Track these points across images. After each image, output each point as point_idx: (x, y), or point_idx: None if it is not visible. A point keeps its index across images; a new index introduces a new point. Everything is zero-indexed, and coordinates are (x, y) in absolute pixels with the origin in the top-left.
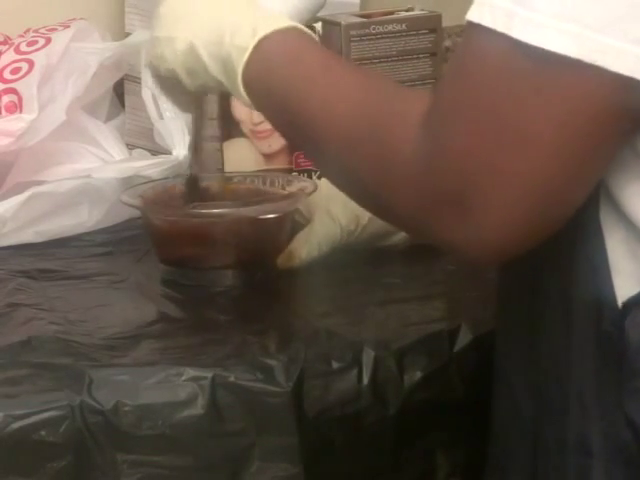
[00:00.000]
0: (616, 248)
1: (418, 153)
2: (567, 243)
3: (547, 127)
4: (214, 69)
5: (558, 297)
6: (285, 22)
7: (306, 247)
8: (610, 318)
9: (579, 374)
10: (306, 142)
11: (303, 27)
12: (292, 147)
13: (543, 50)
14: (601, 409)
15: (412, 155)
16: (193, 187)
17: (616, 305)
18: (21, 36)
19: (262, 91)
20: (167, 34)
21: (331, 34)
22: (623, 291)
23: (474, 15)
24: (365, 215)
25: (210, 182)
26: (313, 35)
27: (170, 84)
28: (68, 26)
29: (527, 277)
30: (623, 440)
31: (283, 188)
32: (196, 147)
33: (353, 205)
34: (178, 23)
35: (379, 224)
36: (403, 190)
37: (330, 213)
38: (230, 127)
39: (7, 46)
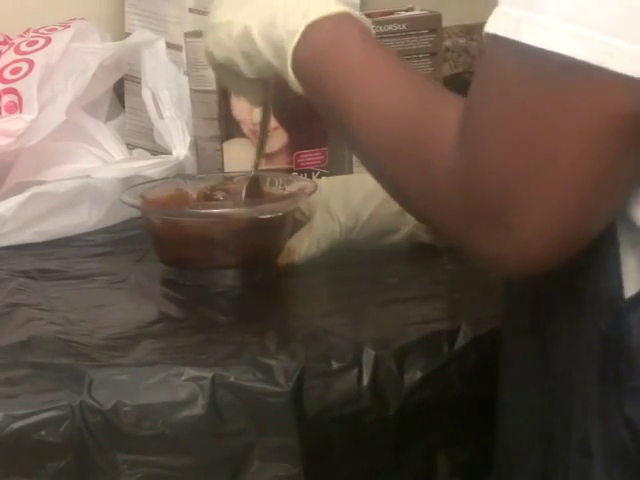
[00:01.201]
0: (624, 251)
1: (454, 168)
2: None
3: (564, 135)
4: (267, 52)
5: (567, 296)
6: (337, 7)
7: (305, 244)
8: (610, 318)
9: (583, 373)
10: (347, 136)
11: (355, 12)
12: (293, 147)
13: (550, 53)
14: (601, 409)
15: (449, 169)
16: (255, 184)
17: (619, 304)
18: (21, 36)
19: (310, 79)
20: (223, 19)
21: None
22: (629, 291)
23: (490, 26)
24: (365, 213)
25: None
26: (365, 21)
27: (228, 73)
28: (68, 26)
29: (536, 276)
30: (622, 440)
31: (283, 188)
32: (262, 140)
33: (353, 203)
34: (234, 8)
35: (379, 222)
36: (440, 202)
37: (330, 211)
38: (230, 127)
39: (7, 46)
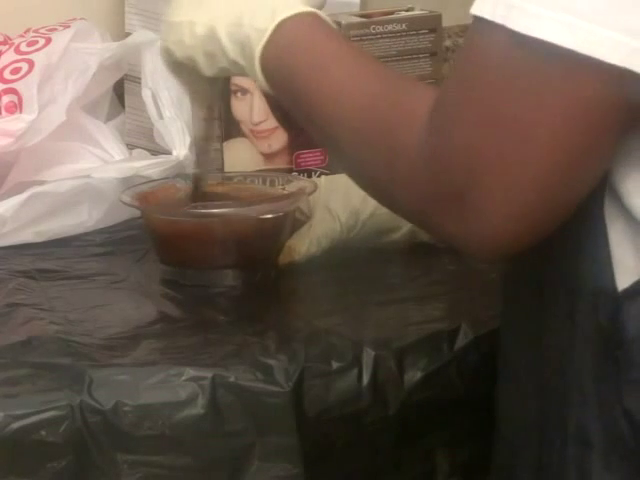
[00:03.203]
0: (618, 241)
1: (423, 148)
2: (571, 235)
3: (545, 120)
4: (233, 51)
5: (562, 290)
6: (304, 7)
7: (306, 243)
8: (608, 309)
9: (580, 366)
10: (318, 131)
11: (321, 13)
12: (293, 147)
13: (539, 40)
14: (599, 401)
15: (417, 150)
16: (198, 185)
17: (615, 297)
18: (21, 36)
19: (278, 76)
20: (187, 18)
21: None
22: (624, 284)
23: (477, 8)
24: (365, 211)
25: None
26: (330, 21)
27: (186, 71)
28: (68, 26)
29: (532, 271)
30: (620, 431)
31: (283, 188)
32: (205, 142)
33: (353, 201)
34: (198, 7)
35: (379, 221)
36: (408, 184)
37: (330, 209)
38: (230, 127)
39: (7, 46)
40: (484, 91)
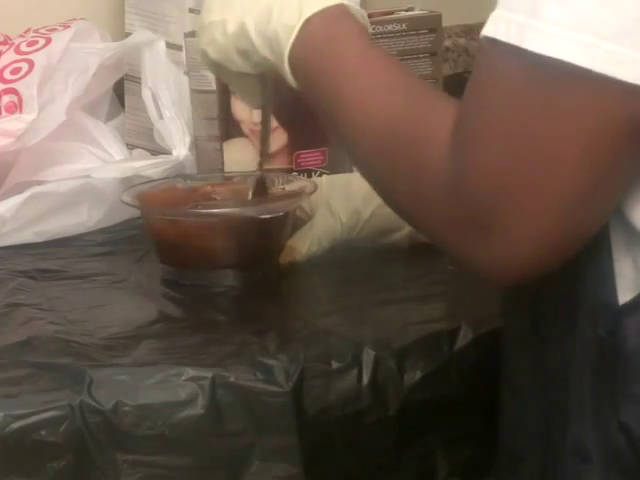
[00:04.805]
0: (619, 254)
1: (446, 171)
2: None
3: (565, 141)
4: (262, 48)
5: (563, 303)
6: (332, 0)
7: (307, 242)
8: (608, 323)
9: (579, 378)
10: (339, 134)
11: (350, 5)
12: (293, 147)
13: (555, 60)
14: (597, 414)
15: (440, 173)
16: (261, 184)
17: (615, 310)
18: (21, 36)
19: (305, 73)
20: (218, 18)
21: None
22: (624, 297)
23: (489, 29)
24: (366, 211)
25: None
26: (360, 12)
27: (226, 71)
28: (68, 26)
29: (533, 283)
30: (618, 445)
31: (283, 188)
32: (266, 138)
33: (354, 201)
34: (228, 6)
35: (380, 221)
36: (429, 207)
37: (331, 209)
38: (230, 127)
39: (7, 46)
40: (500, 114)
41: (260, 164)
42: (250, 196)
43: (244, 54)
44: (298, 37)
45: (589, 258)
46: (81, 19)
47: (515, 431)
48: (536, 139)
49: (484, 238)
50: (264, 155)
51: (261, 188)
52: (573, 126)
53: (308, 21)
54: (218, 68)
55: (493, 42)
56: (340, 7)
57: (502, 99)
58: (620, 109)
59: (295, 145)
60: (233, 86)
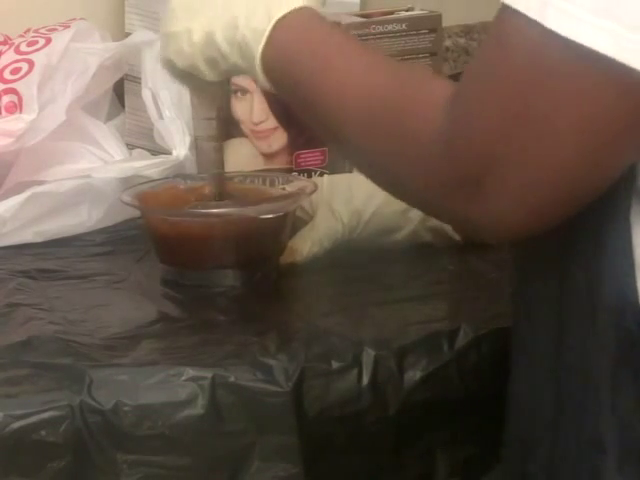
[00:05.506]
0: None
1: (439, 134)
2: (596, 239)
3: (571, 118)
4: (232, 54)
5: (585, 292)
6: (298, 2)
7: (308, 243)
8: (630, 316)
9: (597, 372)
10: (324, 125)
11: (315, 6)
12: (293, 147)
13: (575, 43)
14: (616, 406)
15: (433, 136)
16: (220, 184)
17: (637, 305)
18: (21, 36)
19: (280, 74)
20: (183, 27)
21: None
22: None
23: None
24: (367, 211)
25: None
26: (326, 15)
27: (191, 78)
28: (68, 26)
29: (556, 271)
30: (636, 438)
31: (283, 188)
32: (217, 142)
33: (355, 202)
34: (192, 15)
35: (381, 221)
36: (421, 169)
37: (332, 209)
38: (230, 127)
39: (7, 46)
40: (510, 84)
41: (215, 162)
42: (213, 196)
43: (211, 62)
44: (269, 39)
45: (609, 250)
46: (81, 19)
47: (526, 420)
48: (538, 113)
49: (472, 196)
50: (217, 153)
51: (220, 186)
52: (581, 108)
53: (277, 23)
54: (184, 76)
55: (511, 11)
56: (307, 9)
57: (509, 67)
58: (632, 97)
59: (295, 145)
60: (197, 93)
